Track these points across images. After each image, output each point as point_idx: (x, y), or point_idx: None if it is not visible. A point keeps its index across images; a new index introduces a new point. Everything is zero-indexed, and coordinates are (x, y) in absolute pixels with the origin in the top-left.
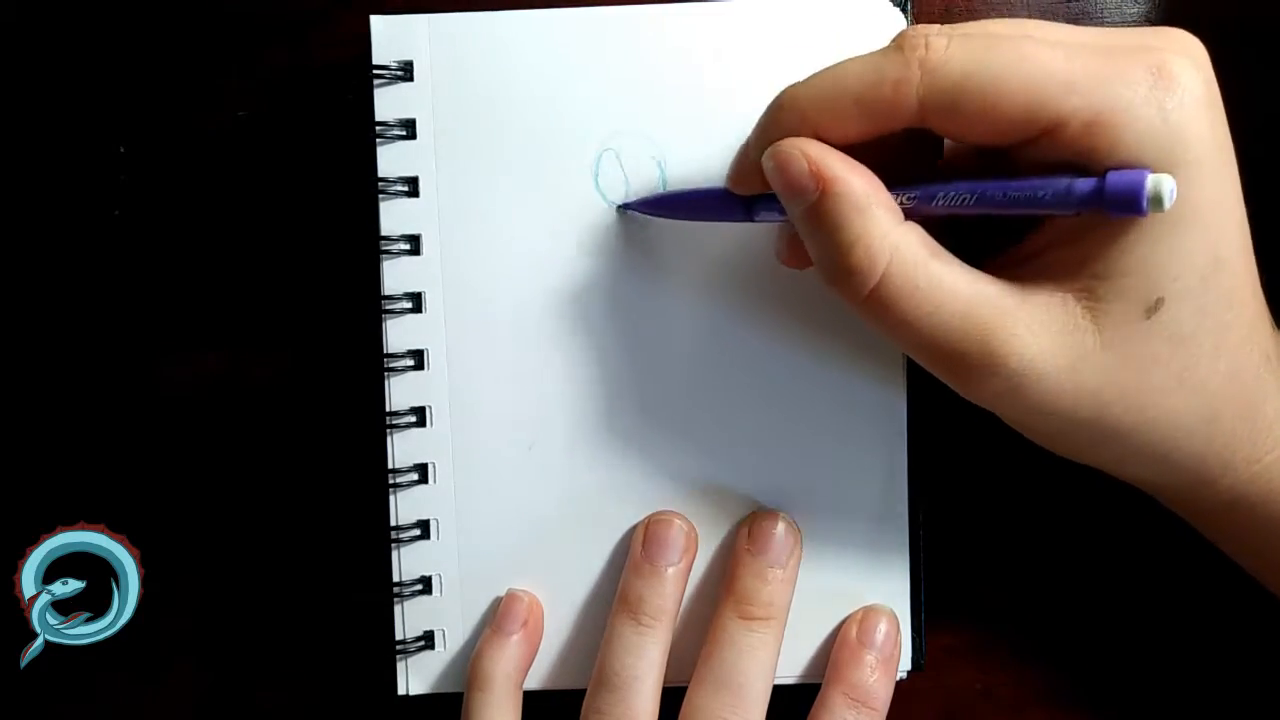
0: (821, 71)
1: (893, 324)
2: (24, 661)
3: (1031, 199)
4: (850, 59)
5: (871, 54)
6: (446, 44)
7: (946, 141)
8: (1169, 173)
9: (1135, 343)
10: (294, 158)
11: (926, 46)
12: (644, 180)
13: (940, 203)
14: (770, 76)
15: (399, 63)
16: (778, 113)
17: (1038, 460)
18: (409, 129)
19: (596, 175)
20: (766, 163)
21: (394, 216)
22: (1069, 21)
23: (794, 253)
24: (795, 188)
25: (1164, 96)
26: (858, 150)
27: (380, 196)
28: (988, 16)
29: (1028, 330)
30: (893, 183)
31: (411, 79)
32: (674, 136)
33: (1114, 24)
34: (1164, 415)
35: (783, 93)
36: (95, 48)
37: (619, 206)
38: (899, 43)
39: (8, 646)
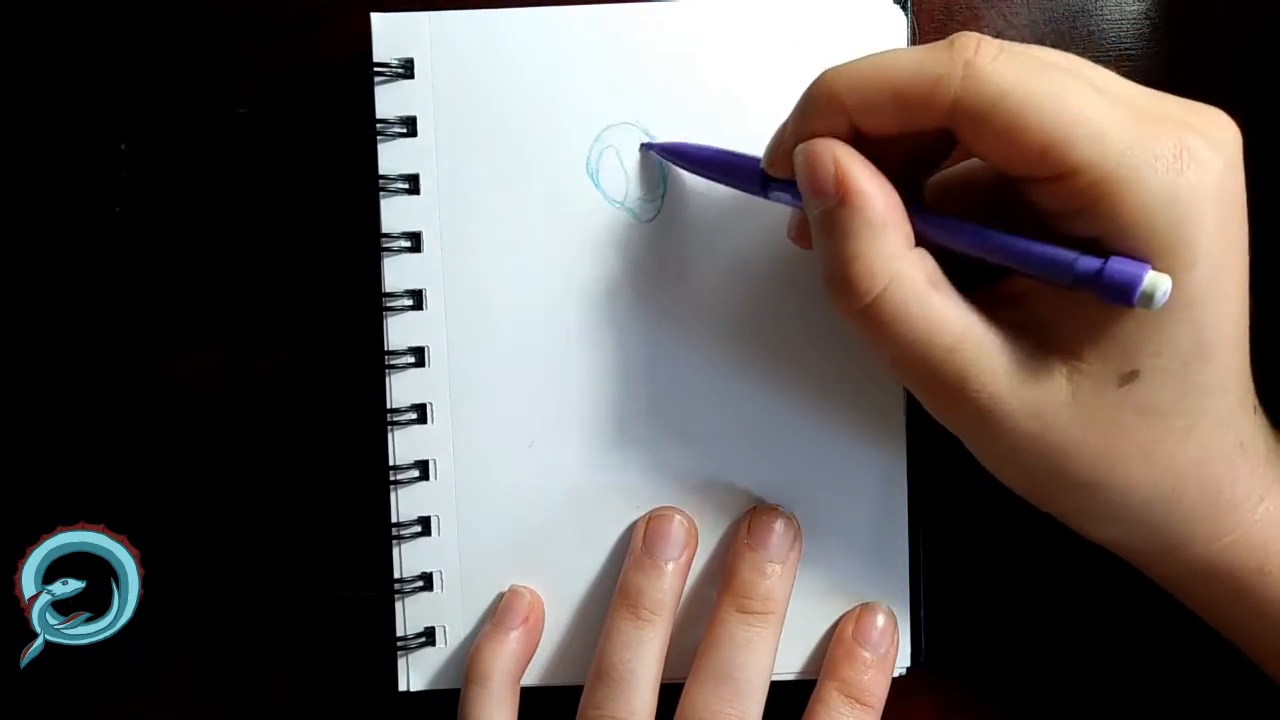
0: (866, 58)
1: (880, 340)
2: (24, 661)
3: (1032, 261)
4: (897, 49)
5: (920, 48)
6: (447, 41)
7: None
8: (1163, 253)
9: (1105, 406)
10: (294, 155)
11: (977, 50)
12: (645, 178)
13: (948, 239)
14: (772, 74)
15: (400, 60)
16: (814, 94)
17: None
18: (410, 126)
19: (597, 172)
20: (797, 156)
21: (395, 214)
22: (1066, 16)
23: (803, 234)
24: (817, 189)
25: (1178, 177)
26: (884, 142)
27: (381, 194)
28: (989, 15)
29: (1003, 369)
30: (903, 177)
31: (412, 76)
32: (675, 134)
33: (1112, 19)
34: (1124, 480)
35: (823, 74)
36: (95, 46)
37: (642, 145)
38: (951, 40)
39: (8, 646)
